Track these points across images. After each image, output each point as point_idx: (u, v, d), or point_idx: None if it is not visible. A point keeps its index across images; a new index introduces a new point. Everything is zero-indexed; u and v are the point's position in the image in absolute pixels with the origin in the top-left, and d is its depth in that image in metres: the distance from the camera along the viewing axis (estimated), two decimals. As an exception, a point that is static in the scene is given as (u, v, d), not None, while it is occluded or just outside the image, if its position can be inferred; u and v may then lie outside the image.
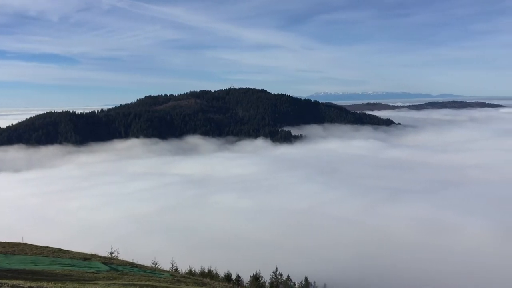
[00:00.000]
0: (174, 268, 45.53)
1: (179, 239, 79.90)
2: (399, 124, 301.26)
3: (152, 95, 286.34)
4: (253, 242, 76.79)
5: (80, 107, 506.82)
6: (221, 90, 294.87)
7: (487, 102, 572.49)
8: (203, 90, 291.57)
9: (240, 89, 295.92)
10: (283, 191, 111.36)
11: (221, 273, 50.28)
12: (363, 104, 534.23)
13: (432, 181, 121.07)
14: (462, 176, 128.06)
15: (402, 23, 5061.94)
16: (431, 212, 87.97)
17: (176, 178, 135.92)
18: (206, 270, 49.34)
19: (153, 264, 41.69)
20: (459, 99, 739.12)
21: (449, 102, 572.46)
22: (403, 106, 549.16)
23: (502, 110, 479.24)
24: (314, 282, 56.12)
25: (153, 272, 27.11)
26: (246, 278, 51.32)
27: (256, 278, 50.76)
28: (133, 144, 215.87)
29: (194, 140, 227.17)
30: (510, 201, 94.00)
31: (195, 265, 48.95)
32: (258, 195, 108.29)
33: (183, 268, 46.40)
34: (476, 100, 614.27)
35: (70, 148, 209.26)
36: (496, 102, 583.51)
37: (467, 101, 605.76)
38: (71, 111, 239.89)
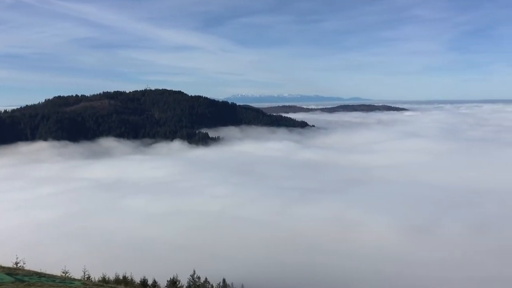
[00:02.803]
0: (86, 276, 43.99)
1: (90, 245, 76.94)
2: (313, 126, 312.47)
3: (61, 95, 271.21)
4: (168, 246, 76.01)
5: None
6: (136, 91, 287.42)
7: (392, 106, 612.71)
8: (117, 91, 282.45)
9: (156, 90, 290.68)
10: (197, 194, 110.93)
11: (137, 279, 49.42)
12: (279, 107, 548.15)
13: (341, 180, 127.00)
14: (369, 175, 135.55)
15: (315, 29, 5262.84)
16: (340, 210, 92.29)
17: (86, 182, 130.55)
18: (120, 277, 48.26)
19: (63, 273, 40.05)
20: (368, 102, 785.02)
21: (359, 106, 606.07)
22: (317, 109, 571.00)
23: (405, 113, 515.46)
24: (232, 283, 56.92)
25: (63, 281, 26.17)
26: (163, 283, 50.86)
27: (173, 282, 50.52)
28: (40, 147, 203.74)
29: (108, 142, 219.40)
30: (411, 199, 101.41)
31: (109, 272, 47.65)
32: (171, 198, 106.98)
33: (96, 276, 44.99)
34: (383, 104, 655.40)
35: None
36: (400, 106, 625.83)
37: (375, 104, 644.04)
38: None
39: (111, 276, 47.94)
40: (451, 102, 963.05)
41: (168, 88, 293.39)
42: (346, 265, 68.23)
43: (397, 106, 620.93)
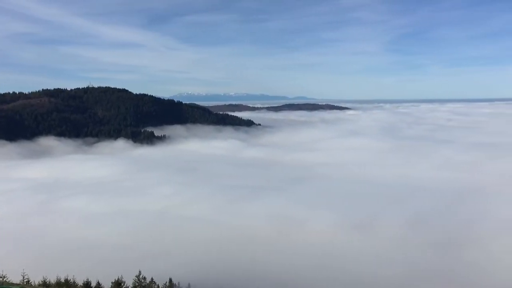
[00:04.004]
0: (25, 280, 43.06)
1: (28, 248, 74.25)
2: (259, 124, 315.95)
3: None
4: (112, 247, 74.65)
5: None
6: (78, 89, 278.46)
7: (336, 105, 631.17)
8: (58, 88, 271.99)
9: (99, 88, 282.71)
10: (141, 193, 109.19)
11: (80, 281, 48.77)
12: (225, 105, 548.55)
13: (286, 178, 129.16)
14: (313, 173, 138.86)
15: (262, 28, 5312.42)
16: (285, 208, 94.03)
17: (24, 183, 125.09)
18: (62, 280, 47.50)
19: (0, 277, 39.10)
20: (312, 101, 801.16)
21: (303, 104, 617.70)
22: (263, 108, 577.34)
23: (348, 112, 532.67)
24: (179, 282, 57.06)
25: (1, 285, 25.72)
26: (107, 285, 50.48)
27: (118, 284, 50.29)
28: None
29: (48, 141, 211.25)
30: (352, 196, 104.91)
31: (50, 275, 46.70)
32: (114, 198, 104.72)
33: (36, 279, 43.99)
34: (327, 103, 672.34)
35: None
36: (343, 105, 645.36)
37: (319, 103, 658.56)
38: None
39: (52, 279, 47.03)
40: (391, 101, 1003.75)
41: (112, 86, 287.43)
42: (291, 261, 69.94)
43: (340, 105, 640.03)
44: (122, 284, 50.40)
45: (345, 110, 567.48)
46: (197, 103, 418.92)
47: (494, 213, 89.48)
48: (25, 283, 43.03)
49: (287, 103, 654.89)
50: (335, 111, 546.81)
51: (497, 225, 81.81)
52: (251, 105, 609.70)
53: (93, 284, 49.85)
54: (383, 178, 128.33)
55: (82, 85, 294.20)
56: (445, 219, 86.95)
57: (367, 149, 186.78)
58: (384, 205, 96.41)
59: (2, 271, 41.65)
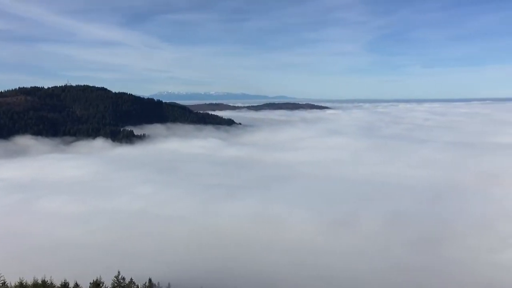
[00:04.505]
0: (1, 282, 42.29)
1: (4, 249, 72.92)
2: (240, 124, 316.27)
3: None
4: (90, 247, 73.77)
5: None
6: (56, 87, 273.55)
7: (316, 104, 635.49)
8: (35, 87, 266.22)
9: (77, 86, 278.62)
10: (119, 193, 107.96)
11: (57, 283, 48.20)
12: (205, 104, 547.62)
13: (266, 177, 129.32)
14: (292, 172, 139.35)
15: (243, 28, 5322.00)
16: (264, 206, 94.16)
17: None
18: (39, 281, 46.87)
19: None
20: (292, 101, 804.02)
21: (284, 104, 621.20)
22: (243, 107, 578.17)
23: (328, 111, 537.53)
24: (158, 282, 56.82)
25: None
26: (85, 285, 49.98)
27: (97, 284, 49.83)
28: None
29: (24, 140, 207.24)
30: (332, 194, 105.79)
31: (26, 276, 45.91)
32: (91, 198, 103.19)
33: (12, 280, 43.22)
34: (307, 102, 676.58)
35: None
36: (323, 104, 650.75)
37: (299, 103, 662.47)
38: None
39: (29, 280, 46.30)
40: (370, 101, 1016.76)
41: (91, 84, 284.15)
42: (271, 259, 70.33)
43: (320, 104, 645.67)
44: (101, 285, 49.92)
45: (325, 109, 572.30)
46: (177, 102, 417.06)
47: (471, 210, 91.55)
48: (1, 284, 42.35)
49: (268, 102, 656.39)
50: (315, 110, 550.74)
51: (474, 222, 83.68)
52: (231, 104, 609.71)
53: (71, 284, 49.32)
54: (362, 176, 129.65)
55: (60, 83, 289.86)
56: (424, 217, 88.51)
57: (347, 148, 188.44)
58: (363, 203, 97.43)
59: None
